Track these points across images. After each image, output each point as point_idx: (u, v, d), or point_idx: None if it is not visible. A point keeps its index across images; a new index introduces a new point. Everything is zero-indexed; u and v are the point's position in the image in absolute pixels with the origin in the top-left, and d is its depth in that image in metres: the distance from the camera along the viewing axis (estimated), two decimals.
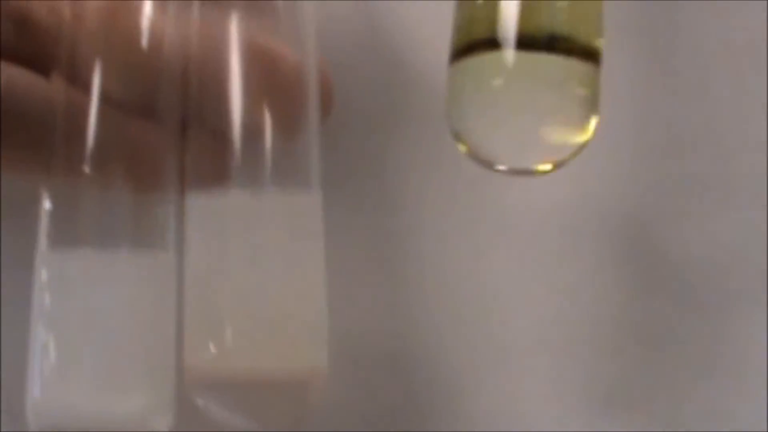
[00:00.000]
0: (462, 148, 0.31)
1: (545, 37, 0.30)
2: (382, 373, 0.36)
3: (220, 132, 0.30)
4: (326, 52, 0.32)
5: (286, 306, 0.30)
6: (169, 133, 0.31)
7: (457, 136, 0.31)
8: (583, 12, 0.31)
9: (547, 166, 0.31)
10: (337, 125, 0.33)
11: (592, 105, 0.31)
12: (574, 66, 0.30)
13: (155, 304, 0.31)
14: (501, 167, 0.31)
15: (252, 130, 0.30)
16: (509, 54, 0.30)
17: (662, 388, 0.37)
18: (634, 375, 0.37)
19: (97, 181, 0.30)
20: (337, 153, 0.34)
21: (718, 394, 0.37)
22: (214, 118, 0.30)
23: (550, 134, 0.30)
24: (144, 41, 0.31)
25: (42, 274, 0.31)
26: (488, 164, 0.31)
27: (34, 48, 0.31)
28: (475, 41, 0.30)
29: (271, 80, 0.30)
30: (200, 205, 0.31)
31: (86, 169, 0.30)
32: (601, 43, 0.31)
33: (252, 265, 0.30)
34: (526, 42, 0.30)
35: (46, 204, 0.31)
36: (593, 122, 0.31)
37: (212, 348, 0.30)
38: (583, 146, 0.31)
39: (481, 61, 0.30)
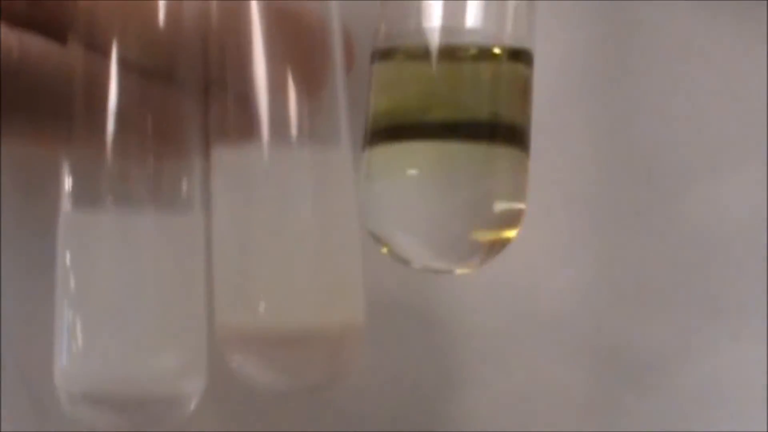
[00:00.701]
0: (382, 248, 0.29)
1: (467, 124, 0.28)
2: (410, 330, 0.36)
3: (245, 89, 0.30)
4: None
5: (318, 260, 0.30)
6: (192, 96, 0.30)
7: (373, 235, 0.29)
8: (508, 94, 0.28)
9: (471, 268, 0.29)
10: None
11: (518, 195, 0.28)
12: (498, 154, 0.28)
13: (183, 264, 0.30)
14: (419, 266, 0.29)
15: (277, 86, 0.30)
16: (429, 144, 0.28)
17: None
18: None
19: (119, 148, 0.30)
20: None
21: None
22: (239, 75, 0.30)
23: (475, 233, 0.28)
24: (163, 5, 0.30)
25: (66, 236, 0.30)
26: (405, 262, 0.29)
27: (50, 14, 0.30)
28: (388, 127, 0.28)
29: (294, 35, 0.30)
30: (227, 162, 0.30)
31: (108, 136, 0.30)
32: (527, 125, 0.28)
33: (282, 220, 0.30)
34: (447, 130, 0.28)
35: (68, 166, 0.30)
36: (520, 215, 0.29)
37: (244, 305, 0.30)
38: (509, 242, 0.29)
39: (398, 150, 0.28)
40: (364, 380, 0.35)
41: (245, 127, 0.30)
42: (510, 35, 0.28)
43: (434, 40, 0.28)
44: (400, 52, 0.28)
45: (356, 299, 0.31)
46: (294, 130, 0.30)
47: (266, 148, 0.30)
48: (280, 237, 0.30)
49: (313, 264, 0.30)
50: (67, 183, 0.30)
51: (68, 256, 0.30)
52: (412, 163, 0.28)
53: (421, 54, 0.28)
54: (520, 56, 0.28)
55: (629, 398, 0.37)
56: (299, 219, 0.30)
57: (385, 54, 0.29)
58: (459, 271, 0.29)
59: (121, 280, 0.30)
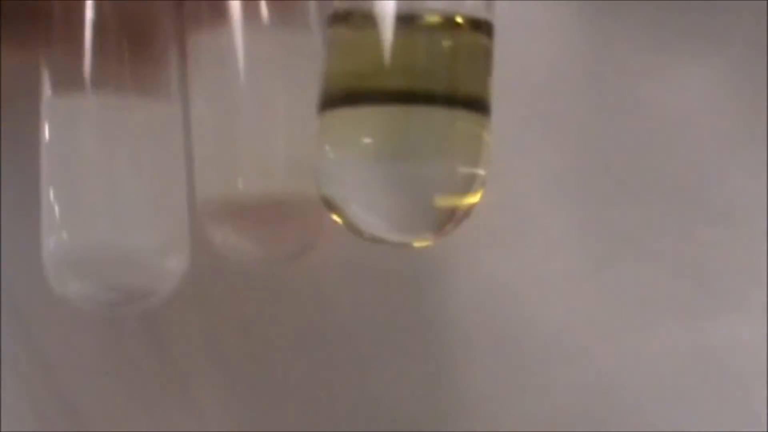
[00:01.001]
0: (334, 216, 0.28)
1: (425, 92, 0.27)
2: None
3: None
4: None
5: (292, 135, 0.31)
6: None
7: (327, 203, 0.28)
8: (468, 63, 0.27)
9: (429, 240, 0.28)
10: None
11: (477, 162, 0.27)
12: (459, 117, 0.27)
13: (163, 148, 0.32)
14: (371, 238, 0.28)
15: None
16: (387, 109, 0.27)
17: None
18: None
19: (97, 39, 0.31)
20: None
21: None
22: None
23: (433, 201, 0.27)
24: None
25: (48, 120, 0.31)
26: (358, 233, 0.27)
27: None
28: (345, 92, 0.27)
29: None
30: (202, 47, 0.31)
31: (86, 30, 0.31)
32: (488, 94, 0.27)
33: (255, 98, 0.31)
34: (404, 97, 0.27)
35: (47, 58, 0.31)
36: (480, 181, 0.27)
37: (223, 180, 0.31)
38: (470, 210, 0.27)
39: (353, 116, 0.27)
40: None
41: (218, 12, 0.31)
42: (471, 6, 0.28)
43: (395, 6, 0.27)
44: (359, 16, 0.27)
45: None
46: (265, 13, 0.31)
47: (239, 30, 0.31)
48: (254, 115, 0.31)
49: (287, 138, 0.31)
50: (47, 72, 0.31)
51: (51, 138, 0.31)
52: (367, 129, 0.27)
53: (381, 20, 0.27)
54: (480, 26, 0.28)
55: None
56: (271, 97, 0.31)
57: (343, 17, 0.28)
58: (416, 244, 0.28)
59: (103, 161, 0.31)
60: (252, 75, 0.31)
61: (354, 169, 0.27)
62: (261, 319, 0.39)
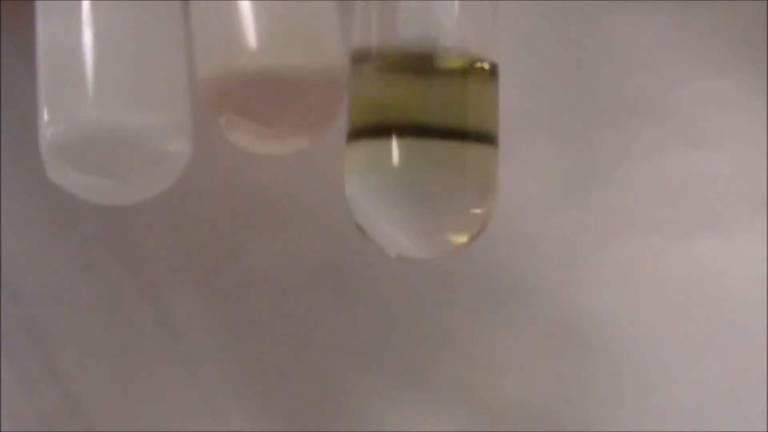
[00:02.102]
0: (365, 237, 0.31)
1: (440, 126, 0.29)
2: None
3: None
4: None
5: (299, 7, 0.30)
6: None
7: (358, 227, 0.30)
8: (477, 99, 0.30)
9: (451, 253, 0.30)
10: None
11: (490, 187, 0.30)
12: (470, 150, 0.30)
13: (161, 25, 0.30)
14: (397, 255, 0.31)
15: None
16: (404, 142, 0.29)
17: None
18: None
19: None
20: None
21: None
22: None
23: (449, 223, 0.30)
24: None
25: (43, 6, 0.30)
26: (386, 251, 0.31)
27: None
28: (369, 126, 0.30)
29: None
30: None
31: None
32: (496, 127, 0.30)
33: None
34: (421, 130, 0.29)
35: None
36: (492, 204, 0.30)
37: (226, 59, 0.30)
38: (485, 225, 0.30)
39: (377, 146, 0.30)
40: None
41: None
42: (489, 48, 0.30)
43: (420, 48, 0.29)
44: (382, 57, 0.30)
45: (334, 47, 0.31)
46: None
47: None
48: None
49: (293, 10, 0.30)
50: None
51: (48, 23, 0.30)
52: (390, 159, 0.29)
53: (406, 62, 0.29)
54: (496, 70, 0.30)
55: None
56: None
57: (364, 57, 0.30)
58: (439, 257, 0.31)
59: (99, 41, 0.30)
60: None
61: (377, 196, 0.29)
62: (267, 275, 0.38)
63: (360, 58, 0.30)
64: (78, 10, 0.30)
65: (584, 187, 0.38)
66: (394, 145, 0.29)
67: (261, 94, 0.30)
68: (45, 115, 0.30)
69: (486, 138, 0.30)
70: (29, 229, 0.38)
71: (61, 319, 0.38)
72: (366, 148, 0.30)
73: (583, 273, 0.38)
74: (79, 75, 0.30)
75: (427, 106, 0.29)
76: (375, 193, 0.29)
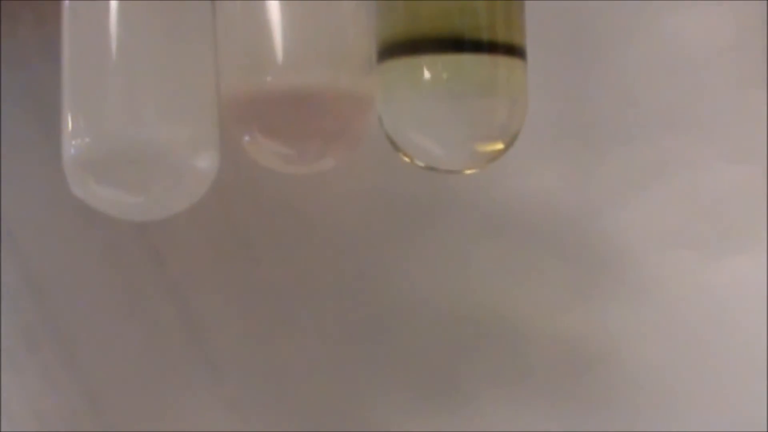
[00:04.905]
0: (397, 149, 0.31)
1: (470, 39, 0.30)
2: None
3: None
4: None
5: (325, 24, 0.30)
6: None
7: (390, 138, 0.31)
8: (505, 12, 0.31)
9: (479, 167, 0.31)
10: None
11: (519, 100, 0.31)
12: (500, 63, 0.31)
13: (190, 40, 0.30)
14: (429, 167, 0.31)
15: None
16: (436, 57, 0.30)
17: None
18: None
19: None
20: None
21: None
22: None
23: (481, 136, 0.31)
24: None
25: (70, 19, 0.30)
26: (418, 164, 0.31)
27: None
28: (399, 43, 0.30)
29: None
30: None
31: None
32: (524, 41, 0.31)
33: None
34: (452, 44, 0.30)
35: None
36: (523, 115, 0.31)
37: (252, 75, 0.30)
38: (516, 137, 0.31)
39: (409, 62, 0.30)
40: None
41: None
42: None
43: None
44: None
45: (361, 67, 0.30)
46: None
47: None
48: (284, 7, 0.30)
49: (320, 28, 0.30)
50: None
51: (73, 35, 0.30)
52: (422, 73, 0.30)
53: None
54: None
55: None
56: None
57: None
58: (467, 171, 0.32)
59: (125, 54, 0.29)
60: None
61: (410, 109, 0.30)
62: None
63: None
64: (106, 23, 0.29)
65: (621, 199, 0.38)
66: (426, 60, 0.30)
67: (286, 114, 0.30)
68: (69, 126, 0.29)
69: (515, 51, 0.31)
70: (54, 228, 0.38)
71: (84, 318, 0.38)
72: (398, 64, 0.30)
73: (615, 287, 0.38)
74: (105, 87, 0.29)
75: (457, 21, 0.30)
76: (408, 106, 0.30)
